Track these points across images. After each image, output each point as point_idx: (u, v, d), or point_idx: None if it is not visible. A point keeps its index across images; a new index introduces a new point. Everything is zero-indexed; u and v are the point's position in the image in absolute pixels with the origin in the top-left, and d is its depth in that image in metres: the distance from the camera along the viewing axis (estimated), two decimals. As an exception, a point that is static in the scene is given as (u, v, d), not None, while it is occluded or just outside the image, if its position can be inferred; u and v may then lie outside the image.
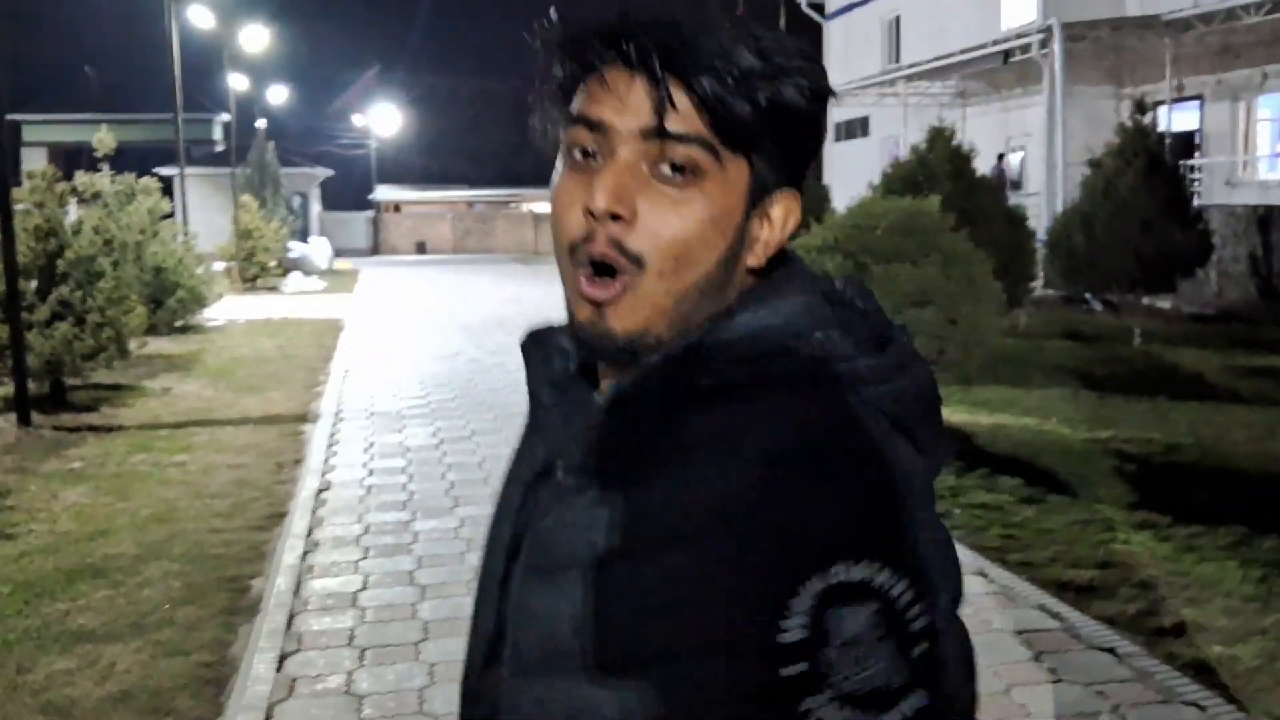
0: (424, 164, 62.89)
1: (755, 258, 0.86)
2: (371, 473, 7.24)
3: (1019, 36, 20.17)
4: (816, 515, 0.75)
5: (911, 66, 24.08)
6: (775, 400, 0.80)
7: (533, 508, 0.90)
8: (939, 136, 15.86)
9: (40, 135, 44.07)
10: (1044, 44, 19.15)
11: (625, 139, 0.83)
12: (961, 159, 15.70)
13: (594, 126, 0.84)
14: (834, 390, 0.81)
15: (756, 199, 0.85)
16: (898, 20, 29.81)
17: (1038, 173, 21.08)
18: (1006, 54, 20.52)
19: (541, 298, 22.43)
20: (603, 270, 0.85)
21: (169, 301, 12.40)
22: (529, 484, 0.93)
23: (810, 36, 32.03)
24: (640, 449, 0.81)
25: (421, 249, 47.58)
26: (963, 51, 21.99)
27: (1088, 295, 15.74)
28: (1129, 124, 13.67)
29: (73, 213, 11.28)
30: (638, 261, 0.83)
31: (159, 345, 13.05)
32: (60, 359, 8.54)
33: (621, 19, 0.84)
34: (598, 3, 0.88)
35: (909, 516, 0.79)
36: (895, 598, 0.75)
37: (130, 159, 47.38)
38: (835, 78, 13.12)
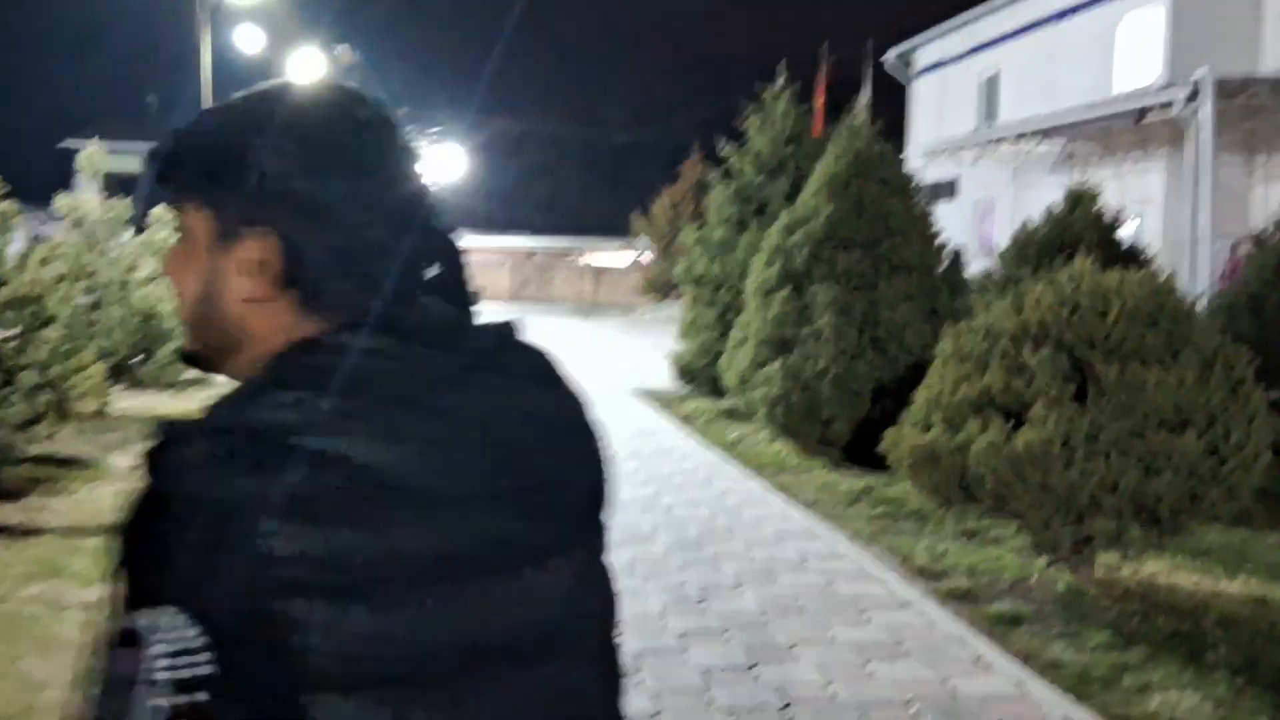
0: (486, 209, 61.55)
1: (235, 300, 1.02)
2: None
3: (1161, 91, 17.77)
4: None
5: (1023, 124, 21.76)
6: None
7: None
8: (1081, 199, 13.46)
9: (95, 163, 42.94)
10: (1190, 99, 16.73)
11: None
12: (1106, 225, 13.32)
13: None
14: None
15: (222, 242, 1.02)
16: (995, 78, 27.67)
17: (1157, 245, 18.67)
18: (1142, 112, 18.13)
19: (603, 356, 20.16)
20: None
21: (159, 352, 10.36)
22: None
23: (895, 95, 29.98)
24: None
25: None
26: (1087, 108, 19.66)
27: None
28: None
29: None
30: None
31: (147, 403, 10.95)
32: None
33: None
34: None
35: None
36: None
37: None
38: (923, 137, 11.09)
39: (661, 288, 40.00)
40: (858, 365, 9.37)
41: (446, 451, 0.96)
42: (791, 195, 12.04)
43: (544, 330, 27.24)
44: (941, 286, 9.98)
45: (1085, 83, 22.15)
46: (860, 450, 9.61)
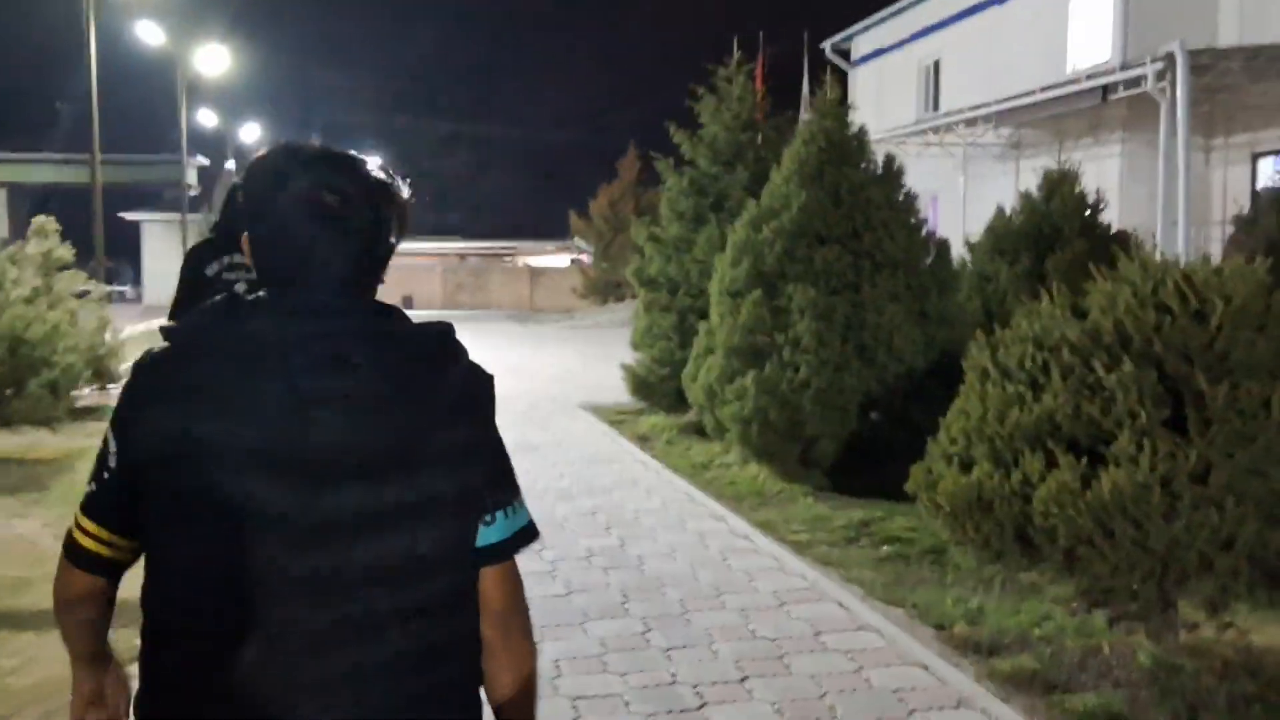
0: (418, 213, 59.99)
1: None
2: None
3: (1123, 69, 16.85)
4: None
5: (975, 109, 20.82)
6: None
7: None
8: (1061, 183, 12.41)
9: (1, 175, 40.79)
10: (1160, 76, 15.82)
11: None
12: (1087, 211, 12.29)
13: None
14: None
15: None
16: (936, 65, 26.83)
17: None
18: (1105, 90, 17.22)
19: (546, 366, 18.80)
20: None
21: (31, 385, 8.86)
22: None
23: (837, 83, 29.04)
24: None
25: (408, 303, 44.33)
26: (1044, 89, 18.74)
27: None
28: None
29: None
30: None
31: (22, 443, 9.46)
32: None
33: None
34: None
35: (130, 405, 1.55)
36: (105, 443, 1.57)
37: (91, 201, 43.86)
38: (866, 127, 10.02)
39: (602, 290, 38.72)
40: (842, 376, 8.17)
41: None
42: (753, 186, 10.82)
43: (479, 338, 25.80)
44: (930, 284, 8.82)
45: (1035, 65, 21.28)
46: (847, 472, 8.44)
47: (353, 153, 1.60)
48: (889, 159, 9.13)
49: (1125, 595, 4.43)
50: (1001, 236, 12.56)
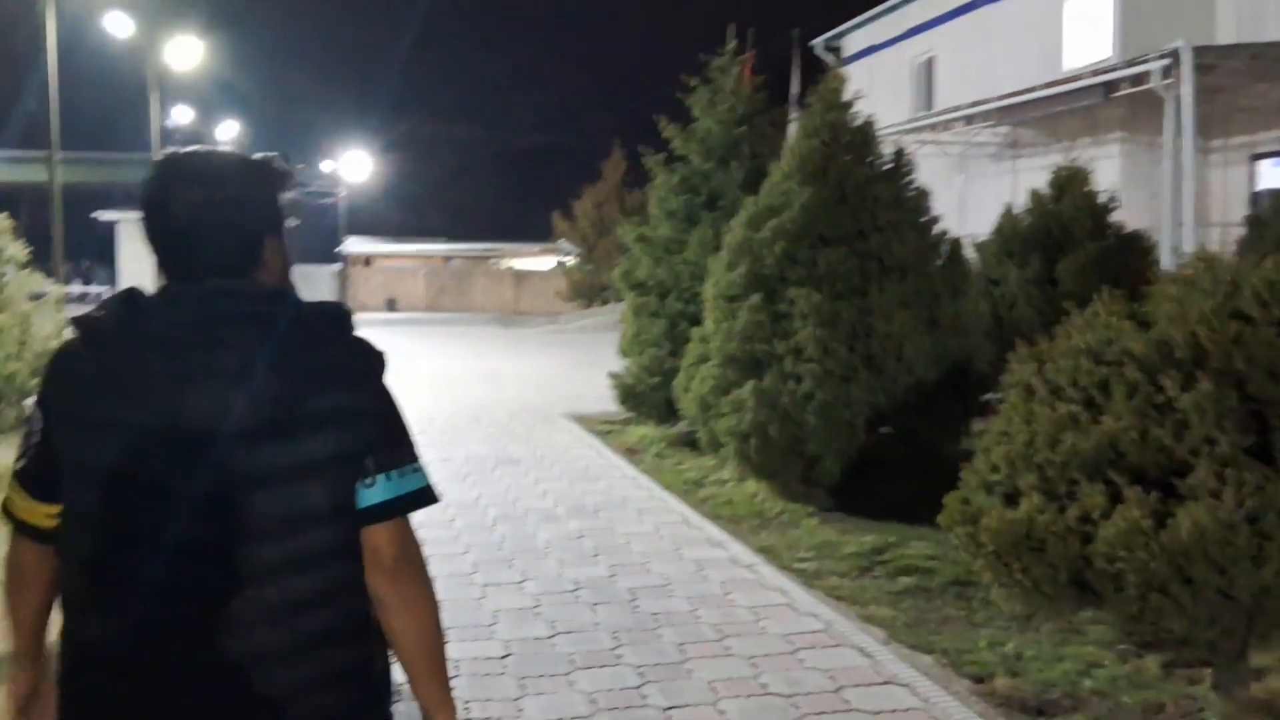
0: (400, 216, 59.27)
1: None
2: None
3: (1128, 65, 16.31)
4: None
5: (974, 106, 20.29)
6: None
7: None
8: (1071, 182, 11.84)
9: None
10: (1166, 73, 15.29)
11: None
12: (1099, 211, 11.72)
13: None
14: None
15: None
16: (930, 63, 26.35)
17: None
18: (1109, 87, 16.69)
19: (529, 373, 18.13)
20: None
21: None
22: None
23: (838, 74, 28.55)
24: None
25: (392, 306, 43.79)
26: (1046, 85, 18.22)
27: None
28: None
29: None
30: None
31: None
32: None
33: None
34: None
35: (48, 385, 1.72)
36: (31, 420, 1.74)
37: (69, 201, 42.99)
38: (874, 118, 9.40)
39: (587, 293, 38.06)
40: (849, 389, 7.55)
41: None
42: (748, 184, 10.20)
43: (461, 343, 25.17)
44: (941, 289, 8.21)
45: (1030, 64, 20.81)
46: (853, 492, 7.82)
47: (225, 150, 1.79)
48: (897, 152, 8.52)
49: (1201, 647, 3.81)
50: (1009, 238, 11.97)
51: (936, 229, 8.40)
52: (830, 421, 7.51)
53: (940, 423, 8.18)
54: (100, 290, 46.05)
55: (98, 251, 46.43)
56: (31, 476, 1.74)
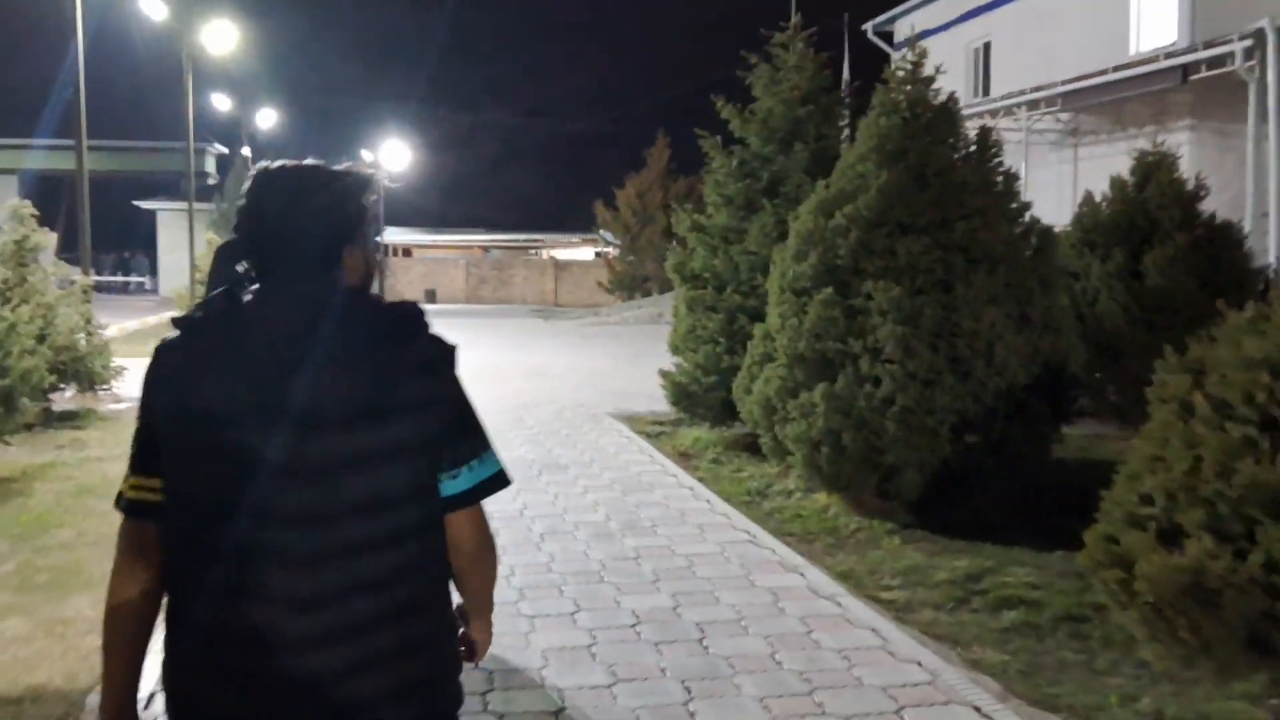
0: (440, 207, 58.94)
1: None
2: None
3: (1206, 47, 15.39)
4: None
5: (1037, 91, 19.42)
6: None
7: None
8: (1157, 168, 11.01)
9: (11, 161, 39.77)
10: (1249, 55, 14.39)
11: None
12: (1187, 199, 10.89)
13: None
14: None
15: None
16: (986, 48, 25.47)
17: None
18: (1186, 70, 15.78)
19: (572, 368, 17.48)
20: None
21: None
22: None
23: (878, 66, 27.80)
24: None
25: (431, 298, 43.33)
26: (1116, 69, 17.33)
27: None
28: None
29: None
30: None
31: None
32: None
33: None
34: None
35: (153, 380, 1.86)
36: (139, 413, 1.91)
37: (113, 190, 42.81)
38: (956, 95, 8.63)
39: (629, 284, 37.39)
40: (933, 393, 6.83)
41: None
42: (813, 168, 9.48)
43: (501, 336, 24.54)
44: (1033, 283, 7.46)
45: (1094, 47, 19.89)
46: (933, 505, 7.10)
47: (310, 164, 1.97)
48: (984, 132, 7.76)
49: None
50: (1090, 228, 11.16)
51: (1028, 216, 7.65)
52: (912, 429, 6.80)
53: (1032, 431, 7.44)
54: (140, 280, 45.89)
55: (141, 241, 46.25)
56: (146, 463, 1.87)
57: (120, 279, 46.45)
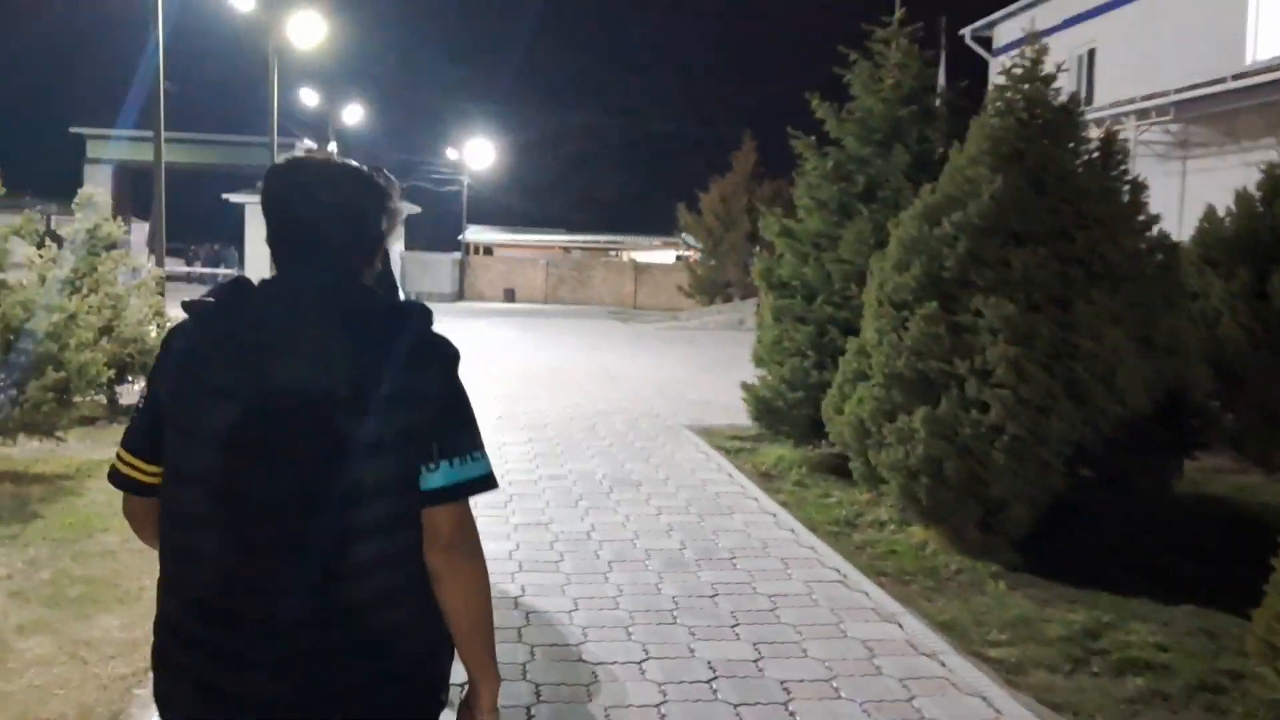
0: (523, 206, 58.90)
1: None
2: None
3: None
4: None
5: (1149, 99, 18.48)
6: None
7: None
8: (1289, 180, 10.15)
9: (106, 152, 40.44)
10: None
11: None
12: (1323, 217, 10.01)
13: None
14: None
15: None
16: (1091, 54, 24.46)
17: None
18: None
19: (648, 374, 16.97)
20: None
21: (32, 389, 7.16)
22: None
23: (974, 73, 26.89)
24: None
25: (510, 296, 43.17)
26: (1235, 77, 16.37)
27: None
28: None
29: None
30: None
31: (24, 457, 7.98)
32: None
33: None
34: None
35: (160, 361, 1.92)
36: (144, 389, 1.97)
37: (204, 182, 43.36)
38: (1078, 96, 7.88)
39: (710, 289, 36.77)
40: (1047, 421, 6.16)
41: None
42: (914, 174, 8.83)
43: (578, 337, 24.10)
44: (1158, 302, 6.76)
45: (1206, 55, 18.87)
46: (1042, 543, 6.43)
47: (333, 161, 2.01)
48: (1109, 137, 7.06)
49: None
50: (1212, 245, 10.35)
51: (1155, 230, 6.95)
52: (1022, 460, 6.15)
53: (1152, 465, 6.74)
54: (230, 271, 46.46)
55: (230, 234, 46.80)
56: (136, 441, 1.95)
57: (211, 271, 47.03)
